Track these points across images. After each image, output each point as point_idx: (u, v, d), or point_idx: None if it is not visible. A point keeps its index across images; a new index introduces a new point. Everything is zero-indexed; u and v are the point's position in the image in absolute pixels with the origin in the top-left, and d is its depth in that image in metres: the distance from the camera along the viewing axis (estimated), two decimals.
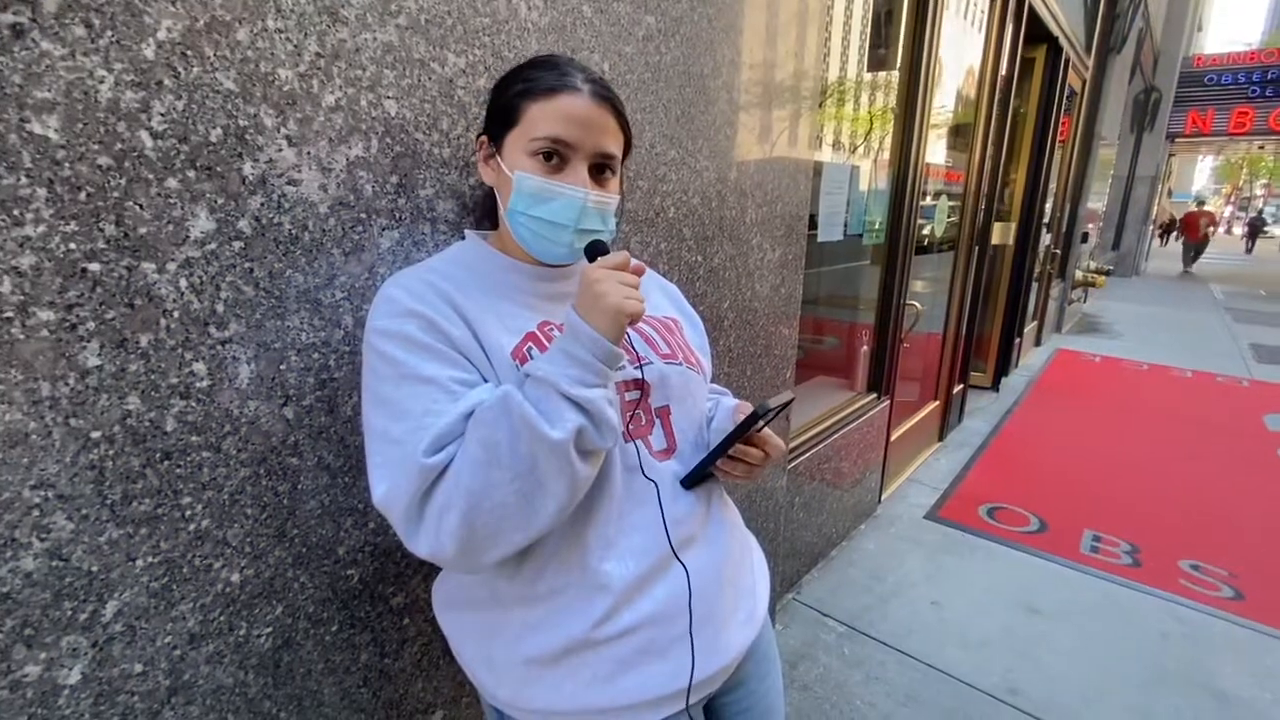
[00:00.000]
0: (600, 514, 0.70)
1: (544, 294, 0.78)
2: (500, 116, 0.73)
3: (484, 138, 0.77)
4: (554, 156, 0.70)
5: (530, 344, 0.70)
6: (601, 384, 0.63)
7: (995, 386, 4.63)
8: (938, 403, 3.52)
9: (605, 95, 0.72)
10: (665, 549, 0.73)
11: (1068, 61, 4.36)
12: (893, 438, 2.83)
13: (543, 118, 0.70)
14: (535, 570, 0.71)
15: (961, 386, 3.81)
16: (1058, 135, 4.63)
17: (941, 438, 3.62)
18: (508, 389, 0.61)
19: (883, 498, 2.86)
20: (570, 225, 0.71)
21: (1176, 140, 13.92)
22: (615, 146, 0.74)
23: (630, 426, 0.74)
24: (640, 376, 0.75)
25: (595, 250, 0.71)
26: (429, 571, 0.97)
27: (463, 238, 0.82)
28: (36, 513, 0.59)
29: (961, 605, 2.17)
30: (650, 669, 0.71)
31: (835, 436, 2.29)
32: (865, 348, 2.69)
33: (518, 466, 0.59)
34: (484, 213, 0.94)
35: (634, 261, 0.69)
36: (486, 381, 0.67)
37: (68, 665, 0.63)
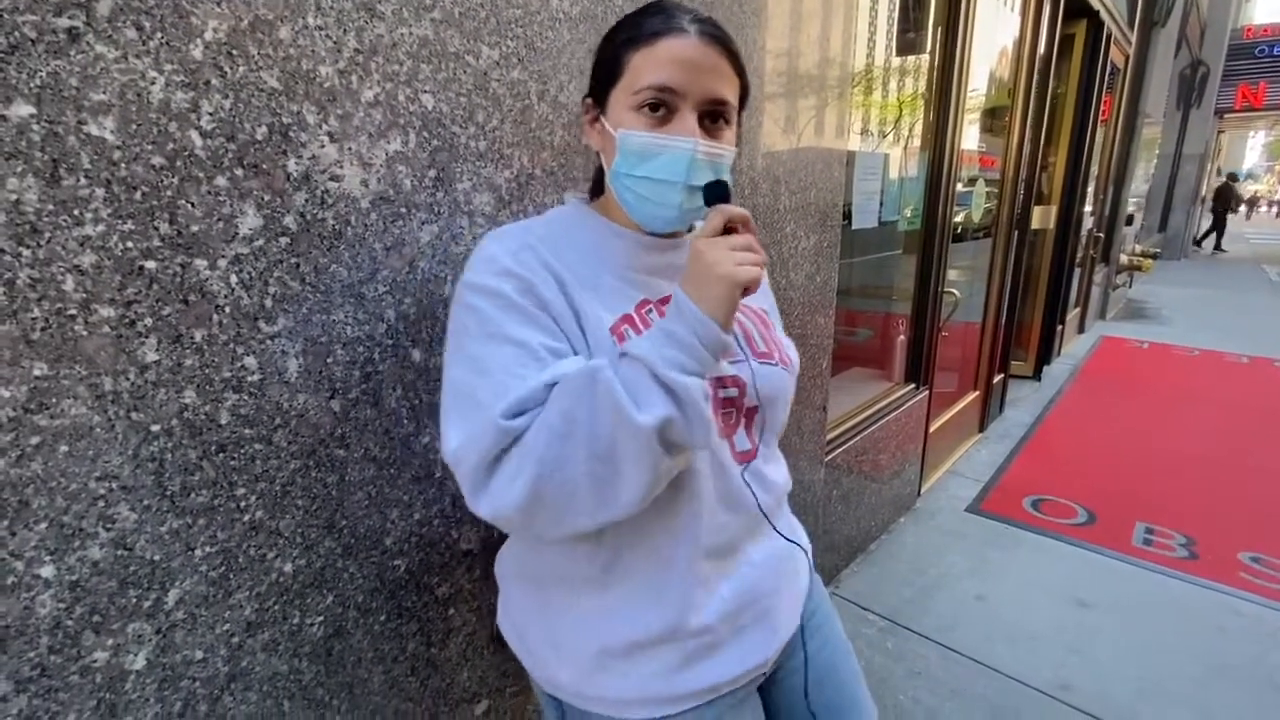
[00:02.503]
0: (682, 508, 0.67)
1: (649, 266, 0.71)
2: (604, 73, 0.68)
3: (588, 100, 0.71)
4: (660, 107, 0.63)
5: (626, 325, 0.66)
6: (700, 372, 0.57)
7: (1037, 376, 4.50)
8: (977, 393, 3.43)
9: (716, 35, 0.64)
10: (740, 548, 0.73)
11: (1109, 37, 4.20)
12: (932, 429, 2.77)
13: (646, 66, 0.63)
14: (610, 554, 0.69)
15: (1002, 376, 3.71)
16: (1099, 114, 4.47)
17: (982, 428, 3.53)
18: (599, 362, 0.57)
19: (922, 490, 2.80)
20: (679, 181, 0.64)
21: (1225, 116, 13.33)
22: (729, 91, 0.65)
23: (720, 424, 0.70)
24: (738, 374, 0.70)
25: (716, 193, 0.64)
26: (472, 563, 0.98)
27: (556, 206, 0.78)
28: (102, 503, 0.62)
29: (1007, 599, 2.11)
30: (714, 659, 0.71)
31: (873, 428, 2.25)
32: (902, 337, 2.63)
33: (595, 446, 0.55)
34: (594, 186, 0.84)
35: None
36: (577, 354, 0.63)
37: (133, 651, 0.66)
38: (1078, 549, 2.40)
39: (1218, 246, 13.28)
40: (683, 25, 0.63)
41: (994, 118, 3.20)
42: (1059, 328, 4.76)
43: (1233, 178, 14.63)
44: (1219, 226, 13.38)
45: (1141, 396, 4.12)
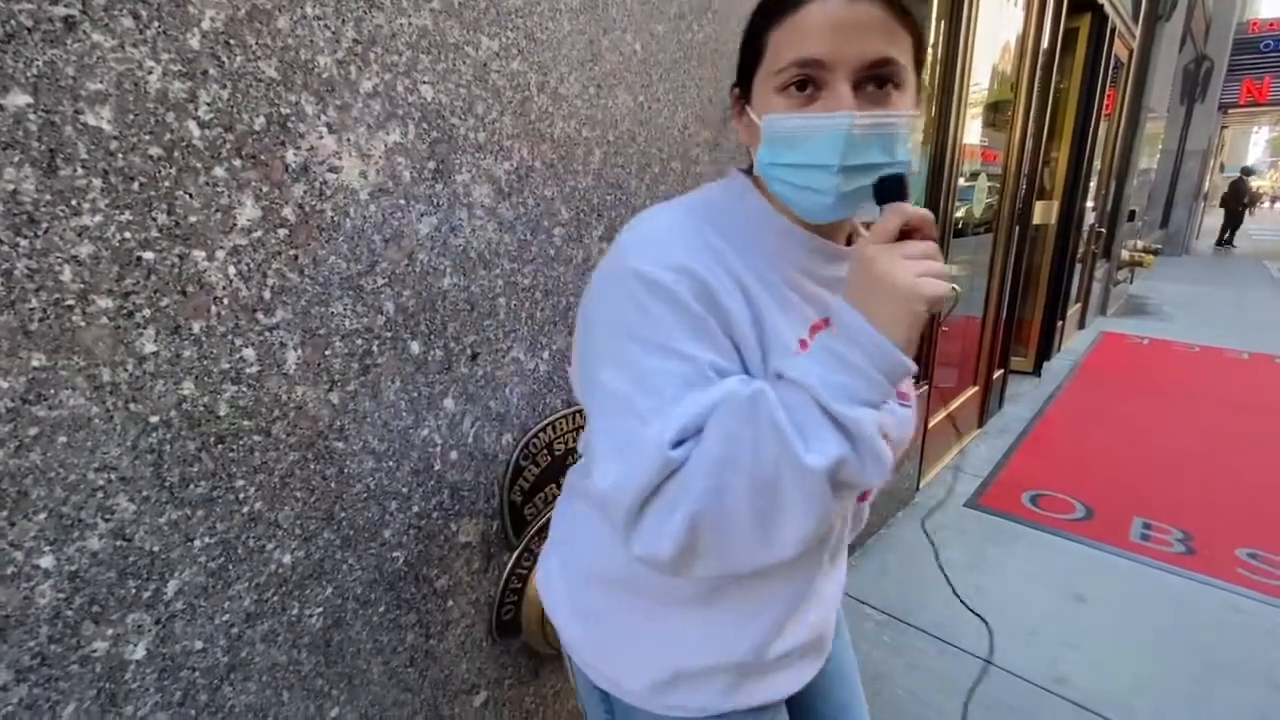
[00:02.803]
0: (810, 550, 0.64)
1: (821, 277, 0.62)
2: (747, 56, 0.60)
3: (735, 89, 0.63)
4: (807, 84, 0.54)
5: (803, 350, 0.59)
6: (876, 402, 0.50)
7: (1037, 371, 4.50)
8: (977, 388, 3.43)
9: None
10: (817, 582, 0.72)
11: (1113, 30, 4.18)
12: (931, 424, 2.77)
13: (788, 40, 0.54)
14: (716, 579, 0.65)
15: (1002, 371, 3.70)
16: (1103, 109, 4.45)
17: (981, 424, 3.53)
18: (762, 386, 0.50)
19: (921, 485, 2.80)
20: (833, 164, 0.53)
21: (1229, 111, 13.27)
22: (894, 49, 0.54)
23: None
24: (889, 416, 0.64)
25: (888, 189, 0.53)
26: (471, 555, 0.99)
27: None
28: (101, 494, 0.62)
29: (1005, 593, 2.12)
30: (774, 679, 0.72)
31: None
32: None
33: (758, 476, 0.48)
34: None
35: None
36: (747, 373, 0.56)
37: (133, 641, 0.66)
38: (1075, 544, 2.41)
39: (1219, 242, 13.20)
40: None
41: (996, 112, 3.19)
42: (1059, 323, 4.76)
43: (1247, 172, 14.47)
44: (1235, 222, 13.27)
45: (1141, 392, 4.12)
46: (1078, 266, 5.03)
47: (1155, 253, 7.78)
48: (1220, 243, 13.26)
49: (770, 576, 0.65)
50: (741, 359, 0.56)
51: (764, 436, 0.48)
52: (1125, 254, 7.08)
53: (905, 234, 0.52)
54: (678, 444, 0.51)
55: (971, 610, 0.80)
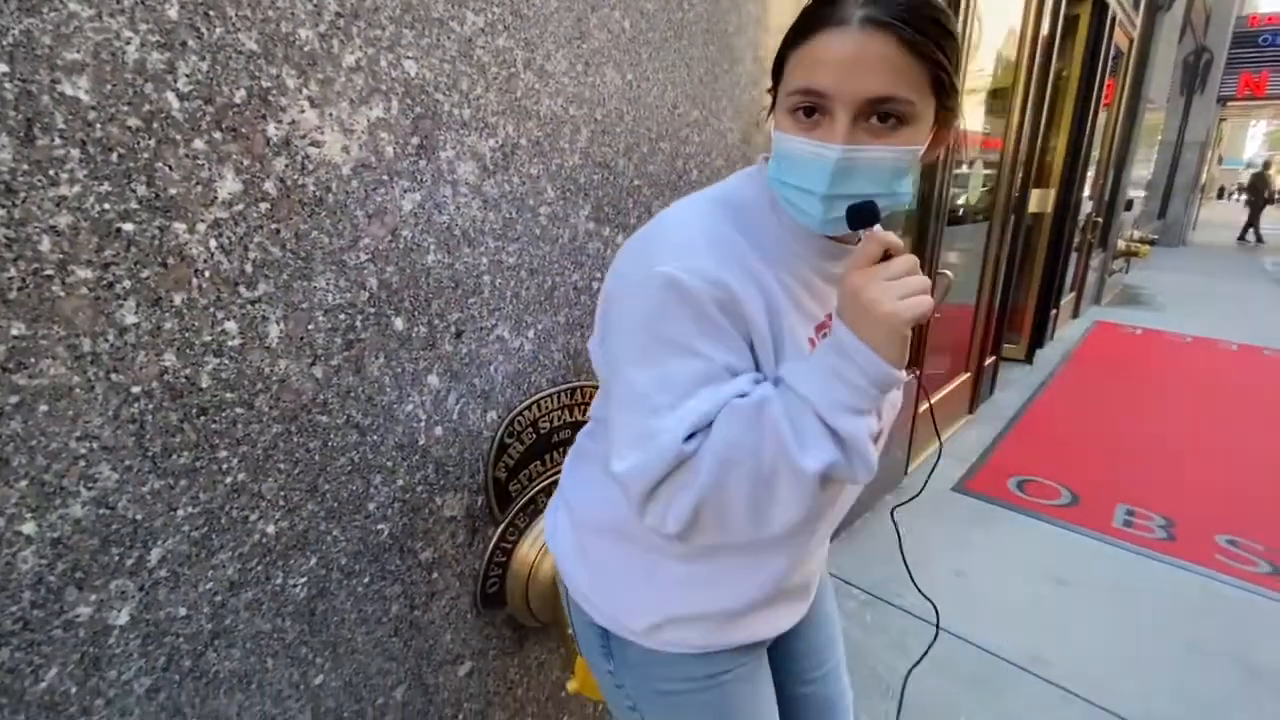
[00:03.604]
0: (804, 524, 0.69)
1: (829, 274, 0.66)
2: (775, 68, 0.63)
3: (771, 92, 0.66)
4: (813, 111, 0.57)
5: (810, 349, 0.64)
6: (867, 411, 0.56)
7: (1029, 359, 4.52)
8: (968, 375, 3.45)
9: (887, 21, 0.53)
10: (822, 545, 0.78)
11: (1114, 19, 4.15)
12: (920, 410, 2.79)
13: (799, 66, 0.57)
14: (704, 545, 0.69)
15: (994, 359, 3.72)
16: (1102, 98, 4.43)
17: (972, 410, 3.56)
18: (767, 395, 0.56)
19: (909, 469, 2.83)
20: (817, 191, 0.57)
21: (1228, 104, 13.21)
22: (900, 86, 0.54)
23: None
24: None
25: (860, 215, 0.56)
26: (456, 529, 1.00)
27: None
28: (83, 463, 0.62)
29: (987, 576, 2.15)
30: (760, 619, 0.76)
31: None
32: None
33: (758, 474, 0.55)
34: None
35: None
36: (758, 370, 0.61)
37: (117, 607, 0.67)
38: (1059, 529, 2.44)
39: (1259, 239, 13.08)
40: (843, 15, 0.54)
41: (994, 98, 3.17)
42: (1053, 312, 4.77)
43: (1265, 165, 14.34)
44: (1255, 218, 13.20)
45: (1131, 381, 4.16)
46: (1073, 255, 5.04)
47: (1151, 243, 7.79)
48: (1242, 237, 13.12)
49: (762, 546, 0.71)
50: (755, 355, 0.61)
51: (766, 441, 0.55)
52: (1121, 244, 7.09)
53: (887, 256, 0.56)
54: (690, 437, 0.56)
55: (923, 594, 0.97)
